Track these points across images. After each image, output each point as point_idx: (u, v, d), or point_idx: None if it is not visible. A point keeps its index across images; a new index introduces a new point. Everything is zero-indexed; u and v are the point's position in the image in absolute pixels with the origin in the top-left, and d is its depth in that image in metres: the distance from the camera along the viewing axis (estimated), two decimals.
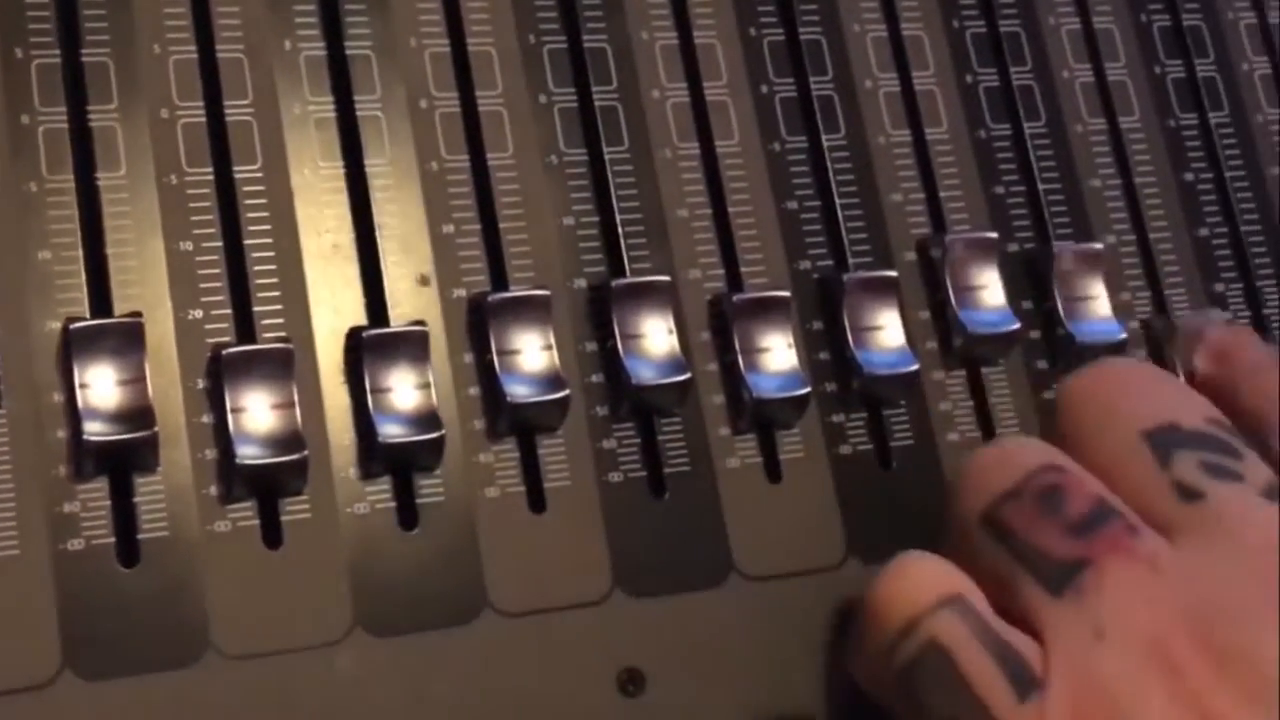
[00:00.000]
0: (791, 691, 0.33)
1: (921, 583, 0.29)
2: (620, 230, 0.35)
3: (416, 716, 0.31)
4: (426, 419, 0.32)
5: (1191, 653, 0.27)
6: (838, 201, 0.37)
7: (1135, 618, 0.27)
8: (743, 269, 0.36)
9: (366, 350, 0.32)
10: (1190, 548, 0.28)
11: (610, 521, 0.33)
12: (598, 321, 0.34)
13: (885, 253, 0.37)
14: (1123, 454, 0.30)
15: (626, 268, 0.35)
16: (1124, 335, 0.37)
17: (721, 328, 0.35)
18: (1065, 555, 0.28)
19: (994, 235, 0.37)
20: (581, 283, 0.35)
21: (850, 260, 0.37)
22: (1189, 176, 0.40)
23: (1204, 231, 0.40)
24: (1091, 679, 0.27)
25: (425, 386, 0.32)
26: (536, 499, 0.33)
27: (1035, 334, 0.37)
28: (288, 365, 0.31)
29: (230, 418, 0.31)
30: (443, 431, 0.32)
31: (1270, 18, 0.43)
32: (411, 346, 0.32)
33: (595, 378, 0.34)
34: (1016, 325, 0.36)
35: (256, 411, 0.31)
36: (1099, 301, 0.37)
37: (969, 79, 0.39)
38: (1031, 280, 0.37)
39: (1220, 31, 0.42)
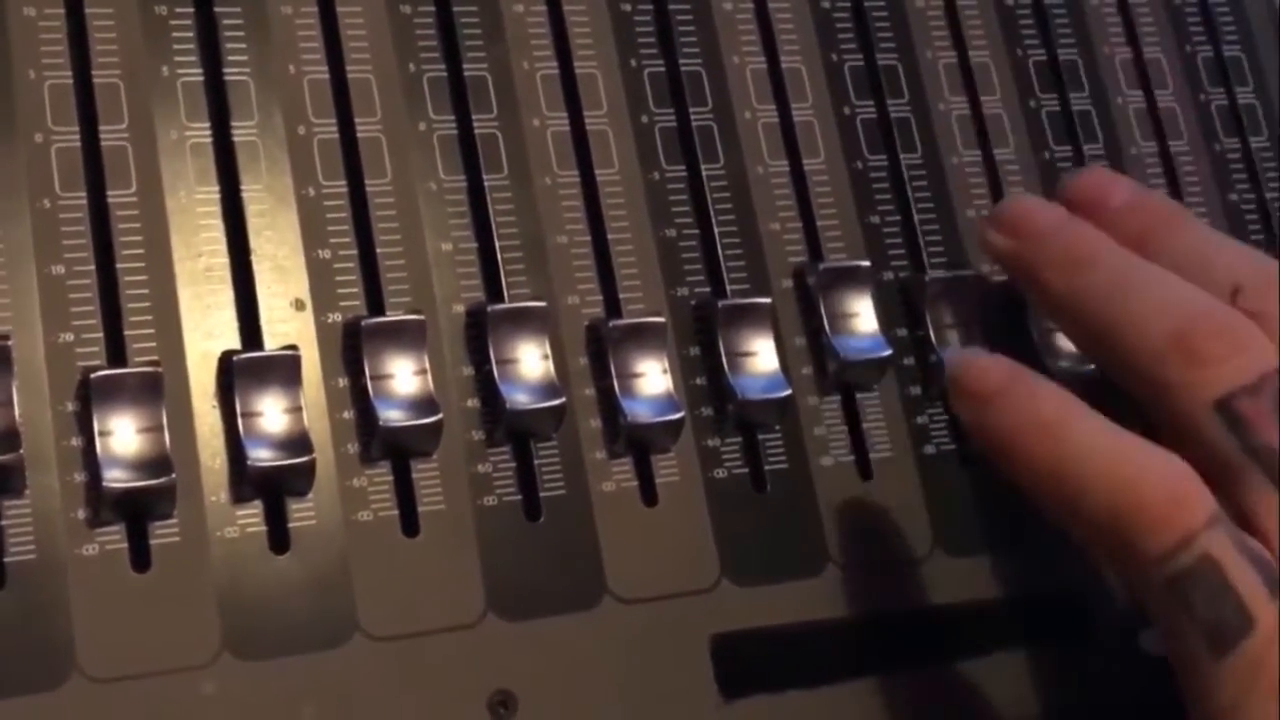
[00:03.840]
0: (664, 716, 0.34)
1: (1193, 500, 0.31)
2: (499, 256, 0.36)
3: None
4: (297, 443, 0.32)
5: None
6: (716, 229, 0.37)
7: None
8: (621, 295, 0.36)
9: (238, 374, 0.32)
10: None
11: (484, 545, 0.34)
12: (474, 346, 0.35)
13: (762, 280, 0.37)
14: None
15: (505, 293, 0.35)
16: None
17: (598, 353, 0.35)
18: None
19: (867, 264, 0.37)
20: (459, 308, 0.35)
21: (727, 287, 0.37)
22: None
23: None
24: None
25: (297, 410, 0.32)
26: (410, 523, 0.33)
27: (909, 360, 0.38)
28: (156, 389, 0.31)
29: (98, 441, 0.31)
30: (313, 455, 0.32)
31: (1149, 52, 0.44)
32: (283, 370, 0.32)
33: (471, 402, 0.34)
34: (888, 351, 0.37)
35: (124, 435, 0.31)
36: (971, 329, 0.38)
37: (846, 111, 0.40)
38: (905, 308, 0.38)
39: (1095, 66, 0.43)
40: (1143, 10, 0.44)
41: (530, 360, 0.34)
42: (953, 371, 0.33)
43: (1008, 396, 0.32)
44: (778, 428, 0.36)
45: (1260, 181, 0.43)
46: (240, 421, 0.32)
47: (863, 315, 0.37)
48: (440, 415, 0.33)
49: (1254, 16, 0.45)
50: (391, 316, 0.34)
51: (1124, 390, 0.33)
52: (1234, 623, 0.30)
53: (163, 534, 0.31)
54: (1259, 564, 0.30)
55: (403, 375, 0.33)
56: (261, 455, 0.32)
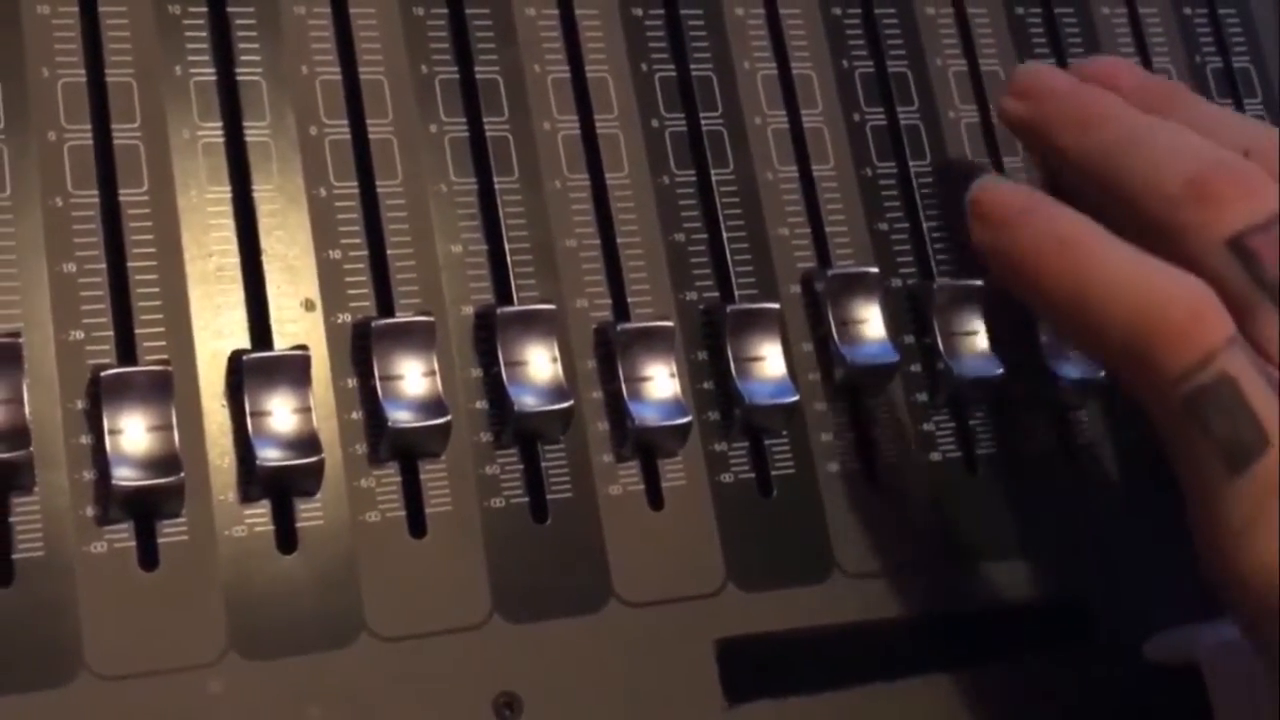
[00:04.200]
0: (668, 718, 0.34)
1: (1213, 319, 0.31)
2: (508, 258, 0.36)
3: None
4: (306, 443, 0.32)
5: None
6: (725, 234, 0.38)
7: None
8: (629, 299, 0.36)
9: (247, 373, 0.32)
10: None
11: (491, 547, 0.34)
12: (483, 348, 0.35)
13: (770, 285, 0.38)
14: None
15: (514, 296, 0.35)
16: (1000, 371, 0.37)
17: (606, 356, 0.35)
18: None
19: (875, 270, 0.37)
20: (468, 309, 0.35)
21: (735, 292, 0.37)
22: None
23: None
24: None
25: (306, 411, 0.32)
26: (417, 524, 0.33)
27: (915, 367, 0.38)
28: (166, 387, 0.31)
29: (108, 439, 0.31)
30: (322, 456, 0.32)
31: (1158, 63, 0.44)
32: (292, 370, 0.32)
33: (480, 404, 0.35)
34: (896, 358, 0.37)
35: (133, 433, 0.31)
36: (978, 337, 0.38)
37: (856, 117, 0.40)
38: (913, 315, 0.38)
39: None
40: (1152, 21, 0.44)
41: (539, 363, 0.34)
42: (974, 195, 0.34)
43: (1029, 217, 0.33)
44: (785, 433, 0.36)
45: None
46: (249, 421, 0.32)
47: (870, 322, 0.37)
48: (449, 417, 0.33)
49: (1263, 28, 0.45)
50: (401, 318, 0.34)
51: (1137, 242, 0.33)
52: (1250, 440, 0.30)
53: (171, 532, 0.32)
54: (1275, 386, 0.31)
55: (412, 376, 0.33)
56: (270, 455, 0.32)
